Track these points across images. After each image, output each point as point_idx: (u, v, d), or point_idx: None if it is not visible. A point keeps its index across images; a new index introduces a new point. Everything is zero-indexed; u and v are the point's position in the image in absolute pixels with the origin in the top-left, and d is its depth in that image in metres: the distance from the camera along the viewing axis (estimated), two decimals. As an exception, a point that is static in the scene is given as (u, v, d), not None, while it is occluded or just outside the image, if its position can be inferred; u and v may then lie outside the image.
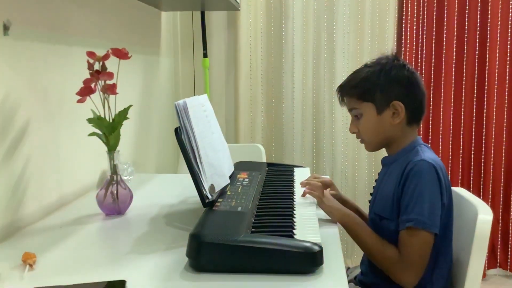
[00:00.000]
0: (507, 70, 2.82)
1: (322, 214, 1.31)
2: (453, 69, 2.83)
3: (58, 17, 1.45)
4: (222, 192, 1.29)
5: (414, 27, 2.80)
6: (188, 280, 0.94)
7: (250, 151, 2.30)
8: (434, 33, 2.82)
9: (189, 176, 1.17)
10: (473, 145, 2.91)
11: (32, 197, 1.32)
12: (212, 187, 1.20)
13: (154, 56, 2.41)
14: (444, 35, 2.81)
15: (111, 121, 1.31)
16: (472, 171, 2.94)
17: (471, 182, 2.94)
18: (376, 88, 1.32)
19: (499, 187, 2.91)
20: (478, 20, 2.79)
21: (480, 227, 1.23)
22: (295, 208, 1.25)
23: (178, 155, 2.38)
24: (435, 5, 2.80)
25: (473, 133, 2.90)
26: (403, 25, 2.80)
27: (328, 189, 1.46)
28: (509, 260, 2.96)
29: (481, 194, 2.92)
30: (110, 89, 1.28)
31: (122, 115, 1.32)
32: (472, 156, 2.92)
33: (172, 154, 2.58)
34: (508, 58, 2.81)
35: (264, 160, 2.28)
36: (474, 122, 2.89)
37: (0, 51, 1.18)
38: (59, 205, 1.45)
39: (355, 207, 1.51)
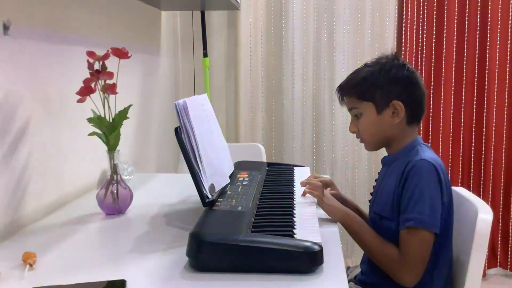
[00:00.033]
0: (507, 70, 2.81)
1: (322, 213, 1.31)
2: (453, 69, 2.83)
3: (58, 17, 1.45)
4: (222, 191, 1.29)
5: (414, 27, 2.80)
6: (188, 279, 0.94)
7: (250, 150, 2.29)
8: (434, 33, 2.82)
9: (189, 175, 1.17)
10: (473, 144, 2.91)
11: (32, 197, 1.32)
12: (212, 187, 1.20)
13: (154, 56, 2.41)
14: (444, 35, 2.80)
15: (111, 120, 1.31)
16: (472, 170, 2.93)
17: (471, 181, 2.94)
18: (376, 87, 1.32)
19: (499, 186, 2.91)
20: (478, 20, 2.79)
21: (480, 227, 1.23)
22: (295, 208, 1.25)
23: (178, 155, 2.38)
24: (435, 5, 2.79)
25: (473, 133, 2.90)
26: (403, 24, 2.79)
27: (328, 189, 1.47)
28: (509, 259, 2.96)
29: (481, 193, 2.92)
30: (110, 89, 1.28)
31: (122, 114, 1.32)
32: (472, 155, 2.92)
33: (172, 154, 2.58)
34: (508, 58, 2.80)
35: (264, 159, 2.27)
36: (474, 121, 2.89)
37: (0, 51, 1.18)
38: (59, 205, 1.45)
39: (355, 207, 1.51)
